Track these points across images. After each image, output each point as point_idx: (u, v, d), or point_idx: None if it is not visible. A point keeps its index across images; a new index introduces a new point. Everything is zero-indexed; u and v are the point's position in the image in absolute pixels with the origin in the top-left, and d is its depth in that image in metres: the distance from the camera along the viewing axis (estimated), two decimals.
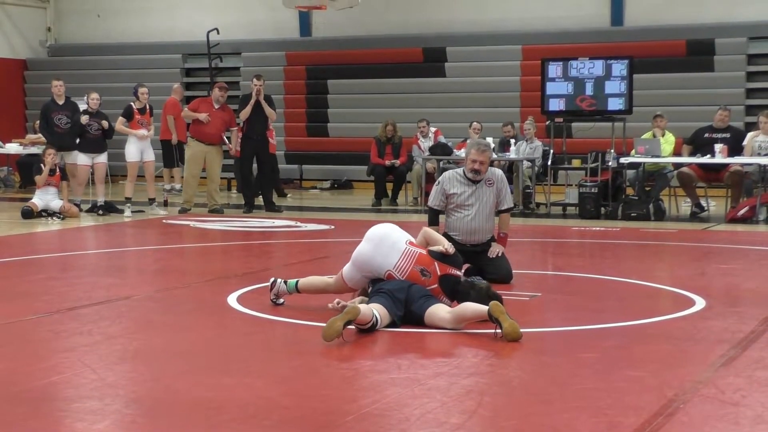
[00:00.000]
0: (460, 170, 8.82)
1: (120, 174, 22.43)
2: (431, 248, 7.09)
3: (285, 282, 7.38)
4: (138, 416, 4.77)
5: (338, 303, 6.77)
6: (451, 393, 5.07)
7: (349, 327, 6.23)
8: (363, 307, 6.35)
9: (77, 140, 15.40)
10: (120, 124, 15.47)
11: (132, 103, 15.60)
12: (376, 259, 6.96)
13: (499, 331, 6.20)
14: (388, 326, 6.51)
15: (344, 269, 7.19)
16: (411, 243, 7.06)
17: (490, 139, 16.15)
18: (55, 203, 14.82)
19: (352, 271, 7.12)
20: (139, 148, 15.48)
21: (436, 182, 8.96)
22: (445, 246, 7.08)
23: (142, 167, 15.68)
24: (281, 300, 7.42)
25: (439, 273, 6.90)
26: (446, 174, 8.91)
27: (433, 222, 8.82)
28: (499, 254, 8.72)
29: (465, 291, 6.81)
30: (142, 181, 15.93)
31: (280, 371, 5.60)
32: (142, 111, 15.54)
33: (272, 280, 7.46)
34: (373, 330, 6.39)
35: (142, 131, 15.46)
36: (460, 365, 5.71)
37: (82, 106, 16.00)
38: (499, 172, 8.89)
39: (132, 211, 15.24)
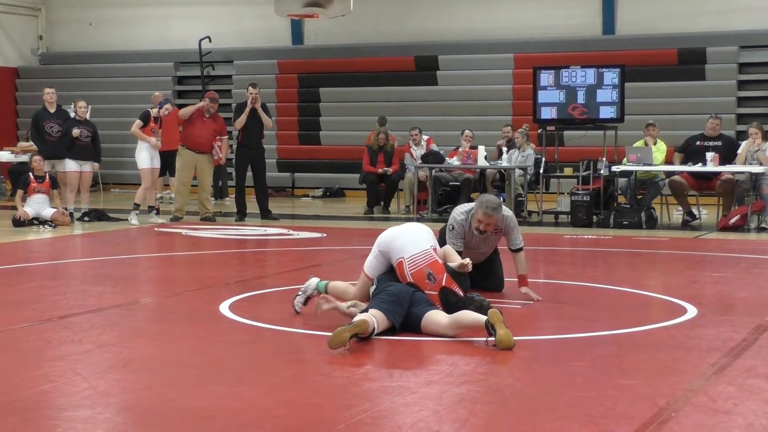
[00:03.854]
0: (468, 220, 8.36)
1: (112, 182, 22.52)
2: (449, 263, 7.21)
3: (319, 281, 7.46)
4: (130, 425, 4.76)
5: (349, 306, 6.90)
6: (443, 401, 5.07)
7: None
8: (367, 317, 6.40)
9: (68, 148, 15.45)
10: (136, 127, 15.40)
11: (150, 110, 15.59)
12: (399, 239, 7.13)
13: (491, 339, 6.21)
14: (386, 331, 6.52)
15: (366, 261, 7.30)
16: (434, 249, 7.18)
17: (482, 148, 16.25)
18: (47, 212, 14.80)
19: (374, 254, 7.23)
20: (150, 155, 15.45)
21: (450, 226, 8.45)
22: (464, 261, 7.20)
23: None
24: (300, 305, 7.42)
25: (443, 284, 6.95)
26: (459, 220, 8.38)
27: None
28: (532, 297, 8.23)
29: (462, 306, 6.82)
30: (134, 189, 15.91)
31: (272, 380, 5.60)
32: (156, 120, 15.55)
33: (310, 277, 7.57)
34: (370, 338, 6.41)
35: (154, 139, 15.43)
36: (452, 373, 5.71)
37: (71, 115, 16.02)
38: (506, 216, 8.35)
39: (137, 215, 15.21)
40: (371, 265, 7.26)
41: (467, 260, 7.26)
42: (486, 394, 5.28)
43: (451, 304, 6.86)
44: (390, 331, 6.56)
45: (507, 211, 8.44)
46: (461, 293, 7.01)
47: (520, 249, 8.41)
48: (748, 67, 20.04)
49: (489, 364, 5.95)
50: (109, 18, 24.57)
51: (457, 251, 8.10)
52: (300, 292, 7.50)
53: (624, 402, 5.05)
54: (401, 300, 6.67)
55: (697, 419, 4.79)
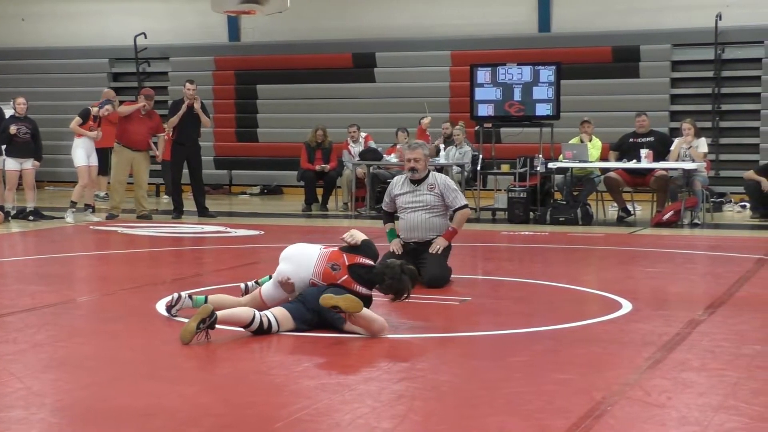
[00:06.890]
0: (397, 180, 9.17)
1: (46, 180, 22.21)
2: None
3: (190, 297, 7.14)
4: (65, 425, 4.71)
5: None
6: (381, 398, 5.08)
7: (222, 327, 6.38)
8: (245, 309, 6.53)
9: (3, 146, 15.20)
10: (75, 123, 15.27)
11: (90, 108, 15.43)
12: (299, 273, 6.95)
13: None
14: (291, 331, 6.54)
15: (263, 288, 7.18)
16: (324, 248, 7.08)
17: None
18: None
19: (273, 290, 7.09)
20: (87, 153, 15.28)
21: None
22: (355, 236, 7.08)
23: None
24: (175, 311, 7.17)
25: (347, 263, 6.88)
26: (397, 177, 9.27)
27: (387, 222, 9.27)
28: (439, 250, 8.79)
29: (379, 273, 6.74)
30: (68, 187, 15.73)
31: (210, 378, 5.57)
32: (95, 119, 15.40)
33: (175, 295, 7.19)
34: (268, 333, 6.44)
35: (93, 133, 15.27)
36: (390, 370, 5.72)
37: (9, 111, 15.76)
38: (442, 177, 9.11)
39: (73, 213, 15.02)
40: (271, 294, 7.06)
41: (358, 234, 7.10)
42: (424, 391, 5.30)
43: (365, 279, 6.78)
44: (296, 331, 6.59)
45: (443, 176, 9.19)
46: (370, 262, 6.92)
47: (462, 207, 8.93)
48: (680, 65, 20.32)
49: (427, 360, 5.98)
50: (42, 13, 24.23)
51: (386, 211, 9.16)
52: (174, 312, 7.14)
53: (561, 396, 5.10)
54: (306, 301, 6.67)
55: (632, 413, 4.86)
